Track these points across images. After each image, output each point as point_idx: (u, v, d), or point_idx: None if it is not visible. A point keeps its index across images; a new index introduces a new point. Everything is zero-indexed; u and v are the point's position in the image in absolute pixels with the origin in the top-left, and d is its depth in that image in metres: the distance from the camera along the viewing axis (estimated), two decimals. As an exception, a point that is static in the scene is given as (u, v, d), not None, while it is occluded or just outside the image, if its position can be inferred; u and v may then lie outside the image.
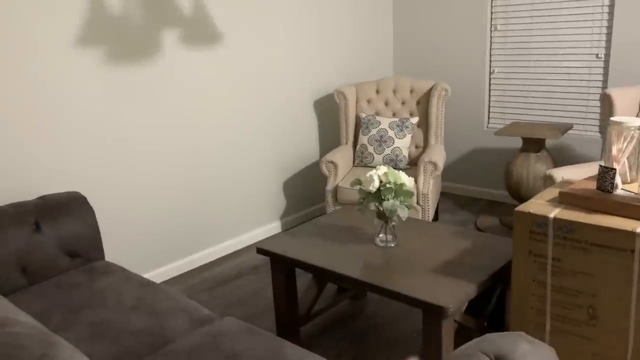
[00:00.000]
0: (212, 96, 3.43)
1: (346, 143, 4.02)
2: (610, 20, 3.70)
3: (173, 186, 3.30)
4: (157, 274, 3.27)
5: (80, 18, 2.74)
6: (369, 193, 2.30)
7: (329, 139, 4.36)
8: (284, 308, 2.49)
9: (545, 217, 1.83)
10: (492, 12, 4.24)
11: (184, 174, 3.35)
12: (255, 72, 3.69)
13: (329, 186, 3.66)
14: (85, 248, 2.42)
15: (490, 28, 4.27)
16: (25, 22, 2.55)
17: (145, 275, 3.20)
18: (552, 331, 1.92)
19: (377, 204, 2.29)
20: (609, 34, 3.73)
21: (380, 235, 2.39)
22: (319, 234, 2.55)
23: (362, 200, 2.35)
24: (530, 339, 1.14)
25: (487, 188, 4.51)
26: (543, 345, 1.14)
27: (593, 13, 3.77)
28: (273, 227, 3.99)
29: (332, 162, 3.67)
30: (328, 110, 4.29)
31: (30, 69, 2.60)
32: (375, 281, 2.06)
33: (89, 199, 2.84)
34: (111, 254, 3.02)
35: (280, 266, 2.45)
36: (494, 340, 1.14)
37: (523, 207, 1.90)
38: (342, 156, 3.77)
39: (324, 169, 3.70)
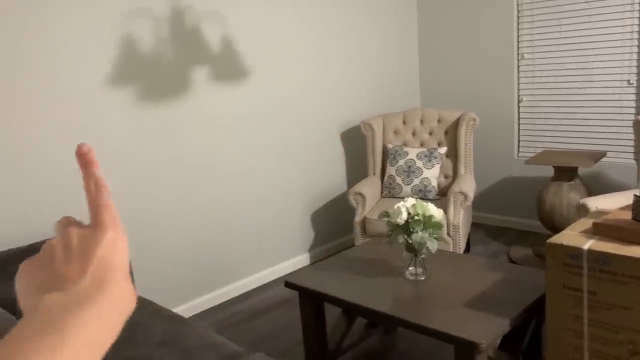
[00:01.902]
0: (240, 131, 3.48)
1: (374, 174, 4.01)
2: (641, 45, 3.64)
3: (201, 220, 3.33)
4: (186, 309, 3.27)
5: (111, 59, 2.84)
6: (397, 225, 2.28)
7: (356, 170, 4.36)
8: (314, 343, 2.46)
9: (579, 249, 1.78)
10: (518, 41, 4.22)
11: (212, 207, 3.38)
12: (282, 105, 3.74)
13: (357, 218, 3.64)
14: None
15: (517, 57, 4.25)
16: (60, 64, 2.66)
17: (174, 310, 3.21)
18: (591, 368, 1.85)
19: (405, 236, 2.27)
20: (639, 60, 3.67)
21: (410, 269, 2.35)
22: (347, 268, 2.53)
23: (390, 232, 2.33)
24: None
25: (519, 218, 4.43)
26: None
27: (622, 39, 3.72)
28: (301, 260, 3.98)
29: (360, 194, 3.66)
30: (355, 142, 4.30)
31: (65, 110, 2.69)
32: (405, 316, 2.02)
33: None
34: (141, 289, 3.04)
35: (309, 300, 2.43)
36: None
37: (555, 239, 1.85)
38: (370, 187, 3.76)
39: (352, 201, 3.68)
